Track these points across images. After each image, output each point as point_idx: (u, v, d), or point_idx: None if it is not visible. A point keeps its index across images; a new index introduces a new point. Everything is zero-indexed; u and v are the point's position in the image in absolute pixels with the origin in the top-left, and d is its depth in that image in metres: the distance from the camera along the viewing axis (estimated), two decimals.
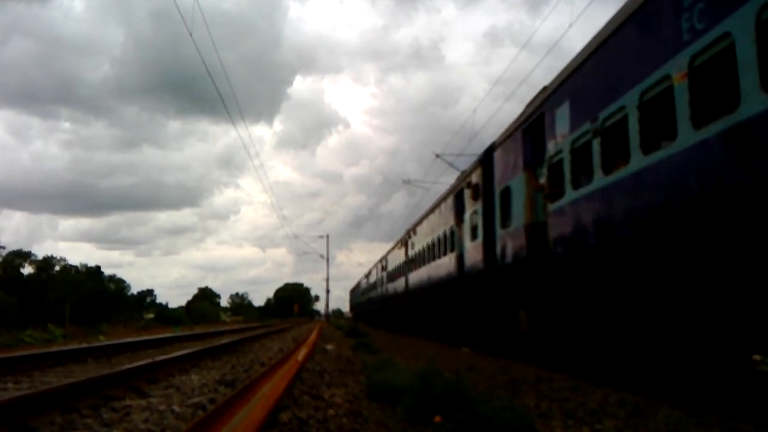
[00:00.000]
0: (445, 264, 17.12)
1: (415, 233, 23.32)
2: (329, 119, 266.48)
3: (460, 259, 15.21)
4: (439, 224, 18.10)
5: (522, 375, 7.91)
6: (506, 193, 11.32)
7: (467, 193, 14.24)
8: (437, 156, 24.60)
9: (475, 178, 13.63)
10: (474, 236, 13.72)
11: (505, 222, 11.37)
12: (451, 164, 24.39)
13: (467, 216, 14.41)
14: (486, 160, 12.85)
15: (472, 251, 13.91)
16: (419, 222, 22.66)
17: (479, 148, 15.64)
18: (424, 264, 20.73)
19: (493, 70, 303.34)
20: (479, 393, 5.33)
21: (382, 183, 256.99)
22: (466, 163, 19.95)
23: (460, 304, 15.04)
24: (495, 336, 12.33)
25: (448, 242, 16.56)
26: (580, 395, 6.14)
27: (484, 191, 12.88)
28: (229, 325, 54.03)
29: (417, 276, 22.23)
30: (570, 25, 11.74)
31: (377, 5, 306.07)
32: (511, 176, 11.05)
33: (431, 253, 19.31)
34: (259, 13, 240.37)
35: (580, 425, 4.71)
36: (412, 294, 23.62)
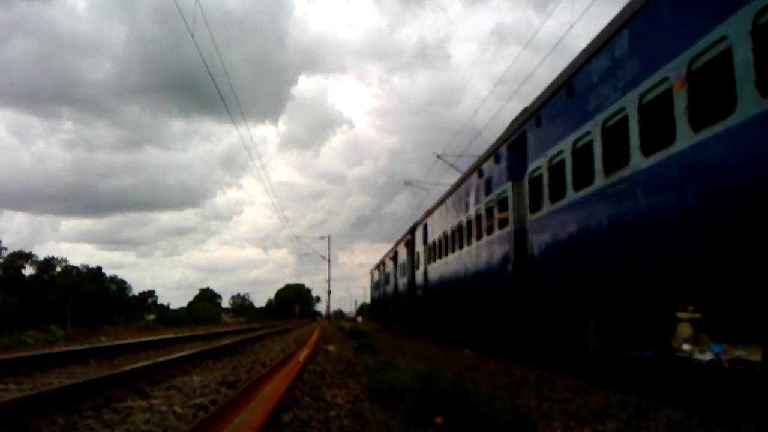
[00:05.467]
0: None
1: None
2: (333, 119, 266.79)
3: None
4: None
5: (524, 376, 7.90)
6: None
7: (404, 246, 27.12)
8: (438, 157, 24.70)
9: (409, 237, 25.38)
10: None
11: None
12: (452, 165, 24.52)
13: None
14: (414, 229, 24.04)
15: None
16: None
17: (481, 148, 16.13)
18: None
19: (498, 70, 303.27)
20: (481, 394, 5.32)
21: (385, 183, 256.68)
22: (467, 164, 20.30)
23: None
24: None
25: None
26: (582, 396, 6.12)
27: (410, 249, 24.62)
28: (231, 326, 53.97)
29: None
30: (571, 26, 11.75)
31: (382, 4, 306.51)
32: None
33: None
34: (264, 13, 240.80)
35: (581, 426, 4.70)
36: None
